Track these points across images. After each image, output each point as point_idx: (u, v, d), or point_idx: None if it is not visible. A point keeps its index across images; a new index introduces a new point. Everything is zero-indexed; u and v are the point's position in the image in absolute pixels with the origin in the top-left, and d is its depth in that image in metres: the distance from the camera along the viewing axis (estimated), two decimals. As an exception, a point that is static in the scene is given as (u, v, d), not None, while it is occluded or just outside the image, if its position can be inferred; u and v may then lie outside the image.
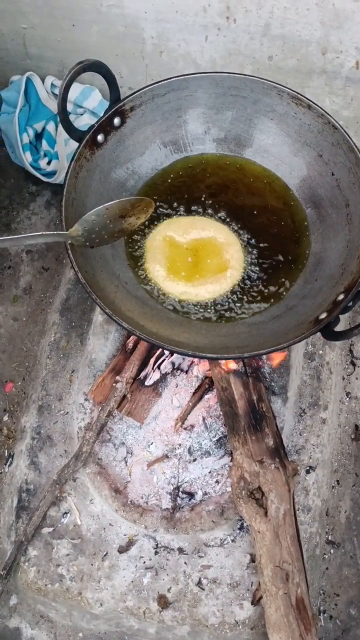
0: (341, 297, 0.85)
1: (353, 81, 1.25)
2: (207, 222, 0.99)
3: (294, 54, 1.21)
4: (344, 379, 1.34)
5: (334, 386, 1.27)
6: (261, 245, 0.99)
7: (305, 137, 0.97)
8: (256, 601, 1.08)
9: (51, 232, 0.85)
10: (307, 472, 1.18)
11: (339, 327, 0.84)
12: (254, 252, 0.98)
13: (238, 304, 0.95)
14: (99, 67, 0.87)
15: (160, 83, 0.95)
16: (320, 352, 1.27)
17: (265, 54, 1.23)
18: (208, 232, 0.98)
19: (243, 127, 1.01)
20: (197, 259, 0.97)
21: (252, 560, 1.11)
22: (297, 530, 1.04)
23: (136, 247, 0.99)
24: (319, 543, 1.19)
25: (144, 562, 1.12)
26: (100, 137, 0.93)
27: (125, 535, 1.14)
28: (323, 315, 0.84)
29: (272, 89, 0.95)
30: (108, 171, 0.97)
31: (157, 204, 1.00)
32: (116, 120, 0.94)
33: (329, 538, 1.23)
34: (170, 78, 0.95)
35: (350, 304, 0.84)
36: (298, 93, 0.94)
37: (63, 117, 0.87)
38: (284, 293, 0.96)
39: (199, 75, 0.96)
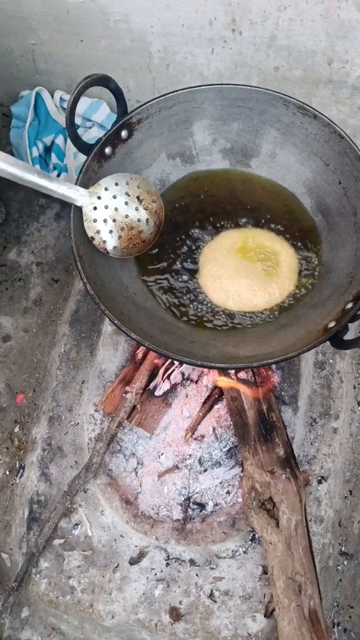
0: (350, 305, 0.85)
1: (359, 90, 1.26)
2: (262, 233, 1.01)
3: (299, 64, 1.22)
4: (355, 387, 1.33)
5: (345, 395, 1.26)
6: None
7: (312, 147, 0.97)
8: (269, 613, 1.07)
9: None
10: (319, 482, 1.17)
11: (348, 336, 0.83)
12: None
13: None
14: (106, 81, 0.88)
15: (167, 96, 0.95)
16: (331, 360, 1.26)
17: (271, 64, 1.24)
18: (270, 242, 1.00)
19: (250, 138, 1.01)
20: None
21: (265, 571, 1.10)
22: (309, 541, 1.03)
23: (148, 257, 0.99)
24: (332, 554, 1.18)
25: (155, 574, 1.11)
26: (108, 150, 0.94)
27: (136, 546, 1.13)
28: (332, 324, 0.84)
29: (278, 99, 0.95)
30: (116, 183, 0.97)
31: (168, 214, 1.00)
32: (124, 133, 0.95)
33: (342, 549, 1.22)
34: (176, 91, 0.96)
35: (359, 312, 0.84)
36: (304, 103, 0.94)
37: (71, 131, 0.88)
38: (294, 301, 0.96)
39: (205, 87, 0.96)
